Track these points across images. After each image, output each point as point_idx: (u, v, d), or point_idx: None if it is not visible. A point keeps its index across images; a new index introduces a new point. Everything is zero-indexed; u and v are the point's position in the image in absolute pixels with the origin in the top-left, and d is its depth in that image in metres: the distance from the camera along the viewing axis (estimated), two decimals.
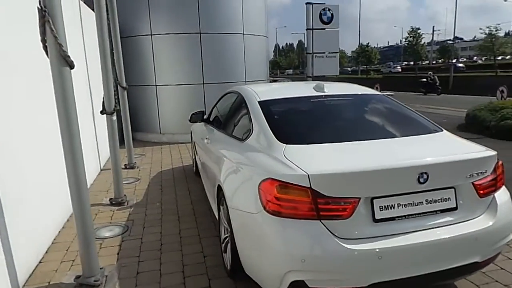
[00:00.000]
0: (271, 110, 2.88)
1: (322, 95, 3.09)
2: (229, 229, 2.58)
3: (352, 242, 1.97)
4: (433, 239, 2.04)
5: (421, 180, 2.04)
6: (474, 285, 2.73)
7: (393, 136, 2.57)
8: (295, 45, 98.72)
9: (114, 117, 4.58)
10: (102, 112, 4.51)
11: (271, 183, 2.07)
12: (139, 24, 8.45)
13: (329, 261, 1.95)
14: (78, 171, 2.70)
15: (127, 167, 6.49)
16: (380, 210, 2.05)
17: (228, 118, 3.59)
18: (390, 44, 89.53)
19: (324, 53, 24.87)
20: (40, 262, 3.20)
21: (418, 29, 46.13)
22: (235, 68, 8.92)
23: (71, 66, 2.55)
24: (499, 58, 41.64)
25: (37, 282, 2.91)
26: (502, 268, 2.97)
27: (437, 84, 22.27)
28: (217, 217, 3.26)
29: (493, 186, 2.29)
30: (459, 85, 23.76)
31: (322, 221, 1.98)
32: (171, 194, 5.03)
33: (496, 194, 2.31)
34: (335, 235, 1.97)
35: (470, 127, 10.35)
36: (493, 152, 2.31)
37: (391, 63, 72.22)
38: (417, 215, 2.11)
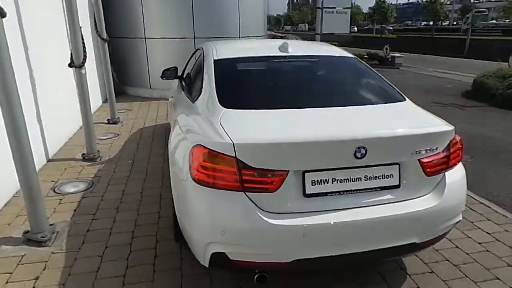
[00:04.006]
0: (224, 70, 2.69)
1: (284, 56, 2.86)
2: None
3: (277, 216, 1.87)
4: (367, 218, 1.92)
5: (358, 155, 1.88)
6: (423, 263, 2.66)
7: (347, 104, 2.38)
8: None
9: (83, 71, 4.40)
10: (70, 65, 4.33)
11: (198, 150, 1.95)
12: None
13: (249, 235, 1.87)
14: (17, 124, 2.58)
15: (110, 122, 6.41)
16: (312, 185, 1.92)
17: (189, 77, 3.40)
18: (410, 0, 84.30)
19: (334, 8, 23.76)
20: None
21: None
22: (228, 22, 8.50)
23: (2, 14, 2.37)
24: None
25: None
26: (457, 247, 2.88)
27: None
28: None
29: (444, 164, 2.12)
30: (476, 49, 22.63)
31: (246, 193, 1.87)
32: (146, 152, 4.97)
33: (448, 173, 2.15)
34: (260, 209, 1.87)
35: (476, 95, 9.92)
36: (448, 127, 2.12)
37: (409, 22, 68.75)
38: (353, 192, 1.98)
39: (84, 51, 4.36)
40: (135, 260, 2.64)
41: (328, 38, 26.61)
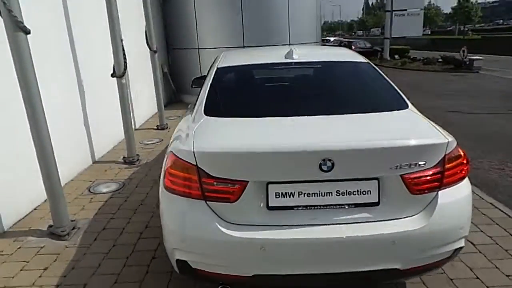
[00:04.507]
0: (222, 78, 2.70)
1: (287, 62, 2.77)
2: None
3: (237, 228, 1.80)
4: (337, 237, 1.76)
5: (324, 167, 1.74)
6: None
7: (339, 113, 2.20)
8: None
9: (124, 80, 4.77)
10: (112, 75, 4.73)
11: (170, 157, 1.98)
12: None
13: (207, 245, 1.83)
14: (39, 127, 2.88)
15: (158, 128, 6.84)
16: (276, 197, 1.82)
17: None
18: None
19: (405, 10, 22.49)
20: (34, 209, 3.60)
21: None
22: (278, 30, 8.53)
23: (25, 31, 2.68)
24: None
25: (22, 225, 3.30)
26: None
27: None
28: None
29: (437, 182, 1.86)
30: None
31: (207, 202, 1.84)
32: None
33: (442, 192, 1.88)
34: (222, 219, 1.82)
35: None
36: (440, 140, 1.85)
37: (501, 21, 61.94)
38: (323, 207, 1.83)
39: (125, 62, 4.72)
40: (133, 260, 2.76)
41: (400, 42, 25.15)
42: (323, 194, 1.82)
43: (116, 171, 4.69)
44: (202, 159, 1.81)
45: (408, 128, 2.05)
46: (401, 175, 1.81)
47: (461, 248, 1.96)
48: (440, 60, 18.62)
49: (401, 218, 1.84)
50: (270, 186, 1.81)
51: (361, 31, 70.54)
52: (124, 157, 5.04)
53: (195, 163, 1.82)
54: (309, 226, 1.80)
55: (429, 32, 47.41)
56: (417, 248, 1.83)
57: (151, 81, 7.56)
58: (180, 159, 1.88)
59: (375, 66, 2.78)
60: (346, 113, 2.20)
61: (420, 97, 10.30)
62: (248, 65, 2.90)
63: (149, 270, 2.63)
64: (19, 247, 2.96)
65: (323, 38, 39.14)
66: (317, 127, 2.04)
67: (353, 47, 24.70)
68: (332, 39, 33.82)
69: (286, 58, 2.81)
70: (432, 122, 2.09)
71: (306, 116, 2.16)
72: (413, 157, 1.80)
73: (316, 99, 2.48)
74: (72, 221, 3.26)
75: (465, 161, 1.97)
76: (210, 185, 1.81)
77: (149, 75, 7.04)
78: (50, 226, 3.17)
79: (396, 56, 22.52)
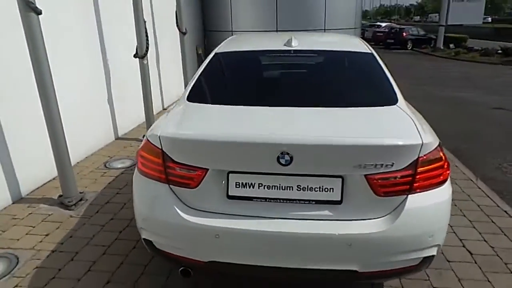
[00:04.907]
0: (216, 63, 2.70)
1: (283, 50, 2.70)
2: None
3: (196, 214, 1.83)
4: (292, 232, 1.73)
5: (282, 161, 1.70)
6: None
7: (322, 106, 2.12)
8: None
9: (146, 61, 4.91)
10: (135, 56, 4.88)
11: (144, 140, 2.05)
12: None
13: (166, 228, 1.88)
14: (50, 104, 3.08)
15: None
16: (236, 187, 1.82)
17: None
18: None
19: None
20: (53, 179, 3.88)
21: None
22: (312, 14, 8.28)
23: (36, 12, 2.84)
24: None
25: (38, 193, 3.59)
26: None
27: None
28: None
29: (406, 185, 1.75)
30: None
31: (171, 186, 1.89)
32: None
33: (412, 197, 1.76)
34: (184, 204, 1.87)
35: None
36: (413, 141, 1.72)
37: None
38: (283, 201, 1.80)
39: (147, 43, 4.85)
40: (125, 235, 2.91)
41: (459, 30, 23.30)
42: (283, 188, 1.79)
43: (134, 148, 4.90)
44: (166, 144, 1.85)
45: (382, 126, 1.93)
46: (365, 175, 1.73)
47: (431, 257, 1.84)
48: (500, 51, 17.06)
49: (363, 219, 1.77)
50: (230, 175, 1.82)
51: (419, 17, 66.19)
52: (144, 135, 5.23)
53: (160, 148, 1.87)
54: (266, 218, 1.79)
55: (490, 20, 43.26)
56: (377, 252, 1.75)
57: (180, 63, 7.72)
58: (150, 142, 1.93)
59: (377, 58, 2.62)
60: (329, 106, 2.11)
61: (466, 90, 9.60)
62: (246, 51, 2.86)
63: (137, 245, 2.75)
64: (30, 213, 3.23)
65: (373, 23, 37.45)
66: (288, 119, 1.99)
67: (404, 34, 23.37)
68: (383, 24, 32.17)
69: (285, 45, 2.74)
70: (417, 121, 1.94)
71: (287, 107, 2.11)
72: (378, 158, 1.70)
73: (304, 90, 2.40)
74: (80, 193, 3.49)
75: (445, 166, 1.83)
76: (173, 170, 1.85)
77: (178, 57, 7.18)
78: (60, 196, 3.42)
79: (451, 45, 20.98)
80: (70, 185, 3.36)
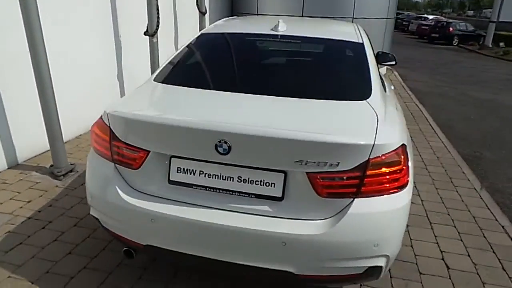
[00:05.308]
0: (197, 44, 2.63)
1: (268, 34, 2.58)
2: None
3: (137, 195, 1.80)
4: (226, 224, 1.65)
5: (220, 149, 1.62)
6: None
7: (288, 95, 1.99)
8: None
9: (155, 39, 4.91)
10: (145, 34, 4.90)
11: (99, 117, 2.03)
12: None
13: (107, 207, 1.87)
14: (41, 73, 3.15)
15: None
16: (177, 172, 1.76)
17: None
18: None
19: None
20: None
21: None
22: (341, 1, 7.91)
23: None
24: None
25: (34, 161, 3.73)
26: None
27: None
28: None
29: (353, 187, 1.61)
30: None
31: (116, 165, 1.86)
32: None
33: (358, 201, 1.62)
34: (128, 184, 1.84)
35: None
36: (363, 141, 1.57)
37: None
38: (223, 192, 1.72)
39: (158, 22, 4.84)
40: None
41: (510, 28, 21.57)
42: (224, 178, 1.72)
43: None
44: (113, 122, 1.82)
45: (337, 122, 1.78)
46: (307, 173, 1.61)
47: (379, 268, 1.70)
48: None
49: (304, 219, 1.66)
50: (173, 160, 1.76)
51: (473, 11, 61.95)
52: None
53: (108, 125, 1.84)
54: (203, 207, 1.73)
55: None
56: (313, 256, 1.64)
57: None
58: (102, 119, 1.91)
59: (366, 49, 2.43)
60: (294, 97, 1.98)
61: (506, 94, 8.90)
62: (229, 33, 2.76)
63: None
64: (21, 179, 3.36)
65: (419, 15, 35.45)
66: (239, 107, 1.90)
67: (450, 28, 22.00)
68: (430, 17, 30.40)
69: (272, 30, 2.61)
70: (384, 120, 1.78)
71: (248, 95, 2.00)
72: (321, 155, 1.57)
73: (275, 77, 2.28)
74: (71, 164, 3.58)
75: (403, 170, 1.67)
76: (117, 149, 1.83)
77: None
78: (51, 166, 3.53)
79: (501, 44, 19.50)
80: (60, 156, 3.46)
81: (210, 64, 2.49)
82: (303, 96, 1.99)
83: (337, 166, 1.58)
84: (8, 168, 3.56)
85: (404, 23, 31.34)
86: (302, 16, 8.05)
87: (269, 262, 1.69)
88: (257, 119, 1.76)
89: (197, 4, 6.55)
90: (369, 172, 1.60)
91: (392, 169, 1.64)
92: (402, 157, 1.67)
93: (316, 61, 2.49)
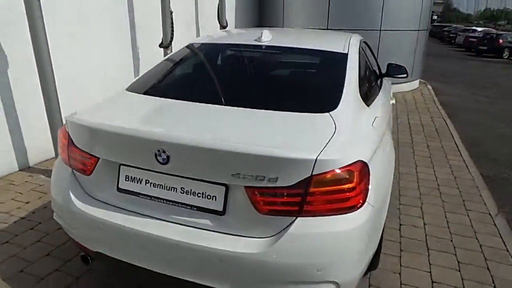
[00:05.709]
0: (180, 54, 2.65)
1: (249, 45, 2.56)
2: None
3: (88, 201, 1.82)
4: (162, 236, 1.61)
5: (160, 159, 1.59)
6: None
7: (255, 107, 1.90)
8: None
9: (169, 51, 5.05)
10: (160, 46, 5.05)
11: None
12: None
13: (62, 211, 1.91)
14: (46, 74, 3.34)
15: None
16: (126, 180, 1.76)
17: None
18: None
19: None
20: None
21: None
22: (367, 13, 7.71)
23: None
24: None
25: (44, 165, 3.92)
26: None
27: None
28: None
29: (295, 206, 1.51)
30: None
31: (73, 170, 1.90)
32: None
33: (300, 220, 1.51)
34: (83, 189, 1.87)
35: None
36: (304, 156, 1.46)
37: None
38: (166, 202, 1.69)
39: (172, 34, 4.98)
40: None
41: None
42: (167, 188, 1.68)
43: None
44: (71, 128, 1.87)
45: (286, 135, 1.68)
46: (245, 187, 1.53)
47: None
48: None
49: (244, 236, 1.57)
50: (122, 167, 1.76)
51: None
52: None
53: (67, 130, 1.89)
54: (147, 217, 1.70)
55: None
56: (249, 276, 1.55)
57: None
58: (64, 124, 1.97)
59: (348, 60, 2.30)
60: (257, 108, 1.91)
61: None
62: (213, 44, 2.75)
63: None
64: (26, 181, 3.54)
65: (467, 27, 33.65)
66: (185, 117, 1.89)
67: (500, 40, 20.68)
68: (479, 29, 28.79)
69: (255, 40, 2.57)
70: (342, 133, 1.66)
71: (210, 105, 1.97)
72: (257, 169, 1.49)
73: (244, 88, 2.23)
74: None
75: (356, 190, 1.54)
76: (73, 154, 1.87)
77: None
78: None
79: None
80: None
81: (180, 73, 2.50)
82: (266, 107, 1.91)
83: (276, 181, 1.49)
84: (19, 170, 3.77)
85: (451, 35, 29.95)
86: (327, 29, 7.93)
87: (206, 278, 1.62)
88: (200, 130, 1.72)
89: (218, 18, 6.68)
90: (312, 190, 1.49)
91: (340, 187, 1.51)
92: (355, 174, 1.54)
93: (292, 72, 2.42)
